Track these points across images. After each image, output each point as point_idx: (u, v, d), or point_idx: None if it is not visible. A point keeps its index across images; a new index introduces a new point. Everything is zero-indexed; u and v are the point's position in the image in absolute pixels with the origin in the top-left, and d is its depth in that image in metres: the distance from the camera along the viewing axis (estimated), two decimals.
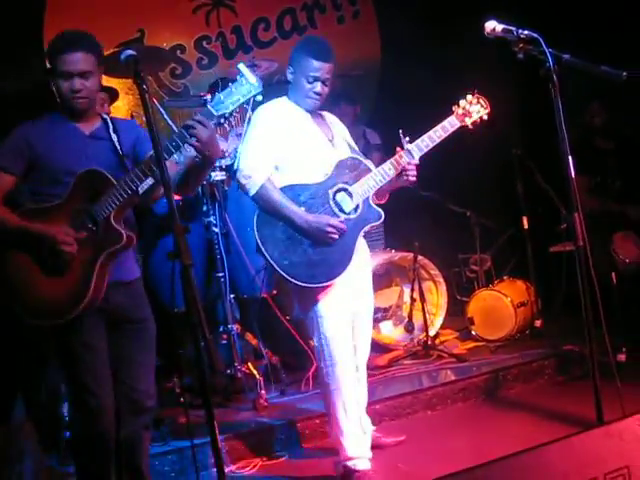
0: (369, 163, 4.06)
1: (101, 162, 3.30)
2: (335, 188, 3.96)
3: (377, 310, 5.72)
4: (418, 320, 5.98)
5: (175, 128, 5.04)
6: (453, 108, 4.07)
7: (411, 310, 6.00)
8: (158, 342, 3.51)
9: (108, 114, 3.70)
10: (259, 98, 3.36)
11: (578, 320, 3.31)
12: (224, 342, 5.00)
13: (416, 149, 3.99)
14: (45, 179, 3.31)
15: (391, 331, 6.12)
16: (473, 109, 4.07)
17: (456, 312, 6.39)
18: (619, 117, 6.10)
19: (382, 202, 4.11)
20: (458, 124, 4.06)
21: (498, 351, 5.79)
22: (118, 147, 3.36)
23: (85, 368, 3.29)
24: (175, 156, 3.29)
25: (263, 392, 4.84)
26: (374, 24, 7.59)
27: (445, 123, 4.04)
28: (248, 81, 3.15)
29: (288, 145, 3.95)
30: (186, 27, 6.94)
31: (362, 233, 4.02)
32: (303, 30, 7.26)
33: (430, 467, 4.01)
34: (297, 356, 5.25)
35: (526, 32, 3.40)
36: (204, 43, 6.98)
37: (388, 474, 4.11)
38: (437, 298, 6.13)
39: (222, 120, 3.17)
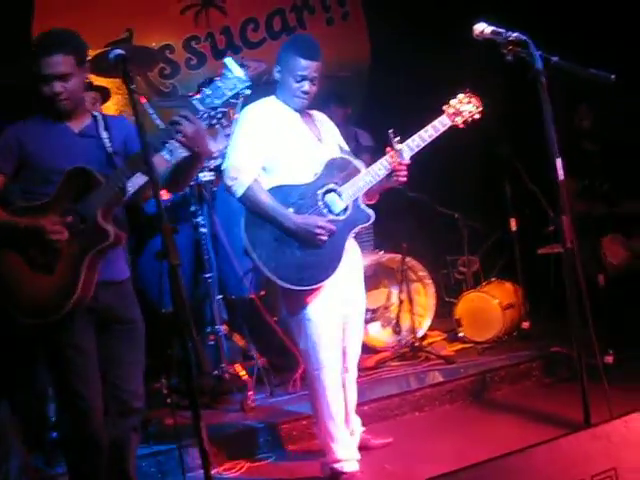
0: (359, 163, 4.02)
1: (90, 160, 3.29)
2: (324, 189, 3.93)
3: (365, 311, 5.70)
4: (406, 322, 5.98)
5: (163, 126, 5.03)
6: (444, 107, 4.04)
7: (399, 312, 6.00)
8: (145, 342, 3.50)
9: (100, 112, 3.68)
10: (247, 92, 3.32)
11: (566, 322, 3.31)
12: (211, 343, 4.99)
13: (406, 149, 3.95)
14: (36, 178, 3.31)
15: (379, 332, 6.11)
16: (464, 108, 4.04)
17: (444, 314, 6.38)
18: (606, 119, 6.12)
19: (372, 202, 4.08)
20: (449, 123, 4.02)
21: (485, 353, 5.79)
22: (107, 144, 3.35)
23: (75, 372, 3.28)
24: (167, 155, 3.28)
25: (251, 393, 4.83)
26: (363, 26, 7.59)
27: (436, 122, 4.00)
28: (234, 75, 3.12)
29: (276, 145, 3.92)
30: (175, 27, 6.92)
31: (352, 234, 4.00)
32: (292, 31, 7.24)
33: (417, 469, 4.02)
34: (285, 357, 5.23)
35: (515, 34, 3.41)
36: (193, 43, 6.97)
37: (375, 476, 4.10)
38: (425, 300, 6.11)
39: (214, 121, 3.16)
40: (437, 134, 4.00)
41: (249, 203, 3.88)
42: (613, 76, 3.35)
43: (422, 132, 3.98)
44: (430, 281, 6.13)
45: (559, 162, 3.28)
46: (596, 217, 5.79)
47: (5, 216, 3.24)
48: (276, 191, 3.89)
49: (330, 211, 3.93)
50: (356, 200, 3.96)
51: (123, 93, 6.14)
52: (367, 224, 4.03)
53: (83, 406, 3.28)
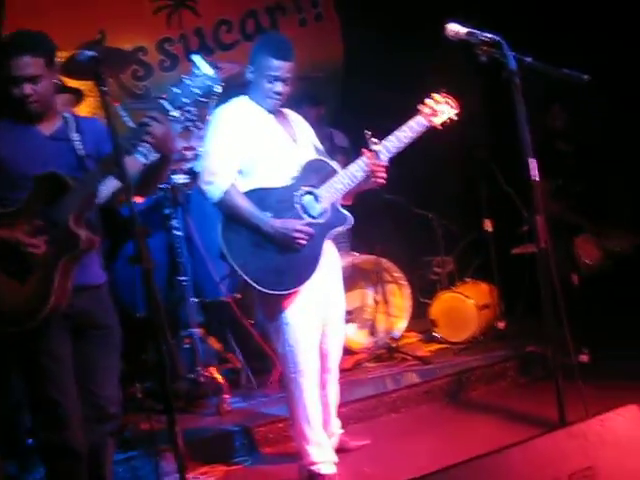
0: (335, 165, 4.00)
1: (61, 164, 3.23)
2: (301, 191, 3.90)
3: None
4: (382, 323, 5.99)
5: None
6: (419, 107, 4.03)
7: (375, 313, 6.00)
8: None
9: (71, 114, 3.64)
10: (218, 90, 3.27)
11: (541, 322, 3.32)
12: (187, 346, 4.95)
13: (384, 150, 3.92)
14: (7, 184, 3.24)
15: (355, 334, 6.10)
16: (440, 108, 4.03)
17: (420, 314, 6.39)
18: (580, 120, 6.16)
19: (347, 204, 4.06)
20: (425, 123, 4.00)
21: (461, 353, 5.81)
22: (79, 147, 3.30)
23: (50, 379, 3.23)
24: (141, 158, 3.25)
25: (226, 397, 4.81)
26: (337, 27, 7.56)
27: (412, 122, 3.99)
28: (203, 72, 3.08)
29: (252, 147, 3.87)
30: (148, 29, 6.86)
31: (330, 237, 3.97)
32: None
33: (395, 470, 4.02)
34: (261, 360, 5.22)
35: (489, 35, 3.41)
36: (166, 45, 6.91)
37: (353, 478, 4.10)
38: (401, 301, 6.11)
39: (188, 123, 3.12)
40: (414, 135, 3.98)
41: (226, 208, 3.82)
42: (586, 76, 3.37)
43: (398, 132, 3.96)
44: (406, 282, 6.12)
45: (533, 162, 3.29)
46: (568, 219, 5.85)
47: None
48: (253, 194, 3.84)
49: (308, 214, 3.89)
50: (334, 202, 3.94)
51: (95, 95, 6.08)
52: (346, 227, 4.00)
53: (60, 413, 3.23)
